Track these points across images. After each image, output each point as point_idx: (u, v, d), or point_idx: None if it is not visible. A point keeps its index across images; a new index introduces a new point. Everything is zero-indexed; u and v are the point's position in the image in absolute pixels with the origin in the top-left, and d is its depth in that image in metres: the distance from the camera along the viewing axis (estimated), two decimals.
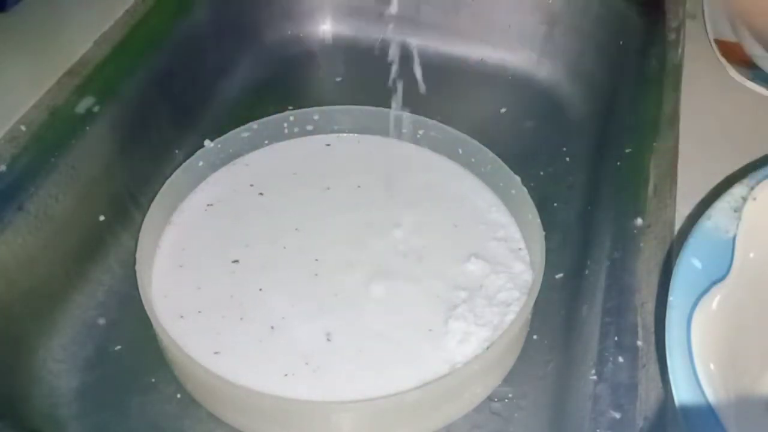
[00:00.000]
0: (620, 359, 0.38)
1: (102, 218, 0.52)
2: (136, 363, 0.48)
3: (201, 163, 0.55)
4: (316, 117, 0.59)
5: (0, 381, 0.44)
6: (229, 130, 0.56)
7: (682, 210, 0.44)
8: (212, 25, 0.65)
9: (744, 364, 0.37)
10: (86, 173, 0.50)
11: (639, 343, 0.39)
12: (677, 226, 0.43)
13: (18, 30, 0.50)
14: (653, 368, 0.38)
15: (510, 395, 0.46)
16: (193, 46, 0.63)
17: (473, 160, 0.56)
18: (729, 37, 0.54)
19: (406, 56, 0.55)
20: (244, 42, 0.69)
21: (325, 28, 0.74)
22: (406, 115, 0.57)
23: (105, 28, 0.56)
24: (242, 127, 0.57)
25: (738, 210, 0.39)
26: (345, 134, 0.60)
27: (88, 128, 0.50)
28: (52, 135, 0.49)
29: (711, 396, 0.32)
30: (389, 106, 0.56)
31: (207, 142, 0.55)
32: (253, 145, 0.58)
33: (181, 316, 0.47)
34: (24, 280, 0.46)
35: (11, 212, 0.45)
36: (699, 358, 0.33)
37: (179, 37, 0.61)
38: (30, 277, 0.46)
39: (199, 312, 0.47)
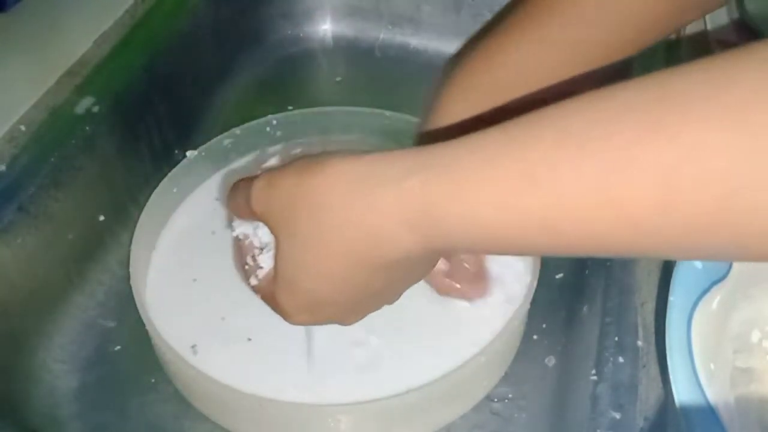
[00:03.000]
0: (620, 359, 0.38)
1: (102, 218, 0.52)
2: (135, 363, 0.48)
3: (193, 169, 0.54)
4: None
5: (0, 381, 0.44)
6: (229, 129, 0.56)
7: None
8: (212, 25, 0.65)
9: (744, 364, 0.37)
10: (86, 173, 0.50)
11: (639, 343, 0.39)
12: None
13: (18, 30, 0.50)
14: (653, 368, 0.38)
15: (510, 395, 0.46)
16: (193, 46, 0.63)
17: None
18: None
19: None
20: (244, 42, 0.69)
21: (325, 28, 0.74)
22: (407, 117, 0.57)
23: (105, 28, 0.56)
24: (225, 134, 0.56)
25: None
26: (345, 137, 0.59)
27: (87, 128, 0.50)
28: (52, 135, 0.49)
29: (711, 396, 0.32)
30: (390, 107, 0.56)
31: (190, 153, 0.54)
32: (247, 148, 0.57)
33: (177, 321, 0.46)
34: (24, 280, 0.46)
35: (11, 212, 0.45)
36: (699, 358, 0.33)
37: (179, 37, 0.61)
38: (30, 277, 0.46)
39: (196, 315, 0.47)
